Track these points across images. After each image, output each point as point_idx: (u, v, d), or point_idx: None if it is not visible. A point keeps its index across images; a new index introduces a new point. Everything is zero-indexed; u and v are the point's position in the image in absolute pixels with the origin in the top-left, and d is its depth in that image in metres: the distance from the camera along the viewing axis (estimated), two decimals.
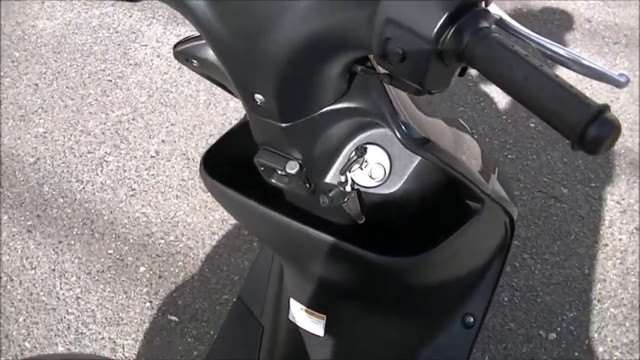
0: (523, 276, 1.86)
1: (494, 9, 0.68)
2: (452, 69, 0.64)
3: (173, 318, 1.80)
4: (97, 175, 2.22)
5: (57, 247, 2.00)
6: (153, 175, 2.21)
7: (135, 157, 2.28)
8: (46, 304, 1.85)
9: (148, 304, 1.84)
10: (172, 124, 2.40)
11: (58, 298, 1.87)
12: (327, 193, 0.81)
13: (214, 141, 0.93)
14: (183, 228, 2.03)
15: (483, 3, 0.62)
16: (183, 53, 0.89)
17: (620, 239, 1.94)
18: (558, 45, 0.66)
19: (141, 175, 2.21)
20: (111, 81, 2.62)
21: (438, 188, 0.89)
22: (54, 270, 1.94)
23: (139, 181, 2.19)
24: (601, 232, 1.96)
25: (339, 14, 0.65)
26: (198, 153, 2.28)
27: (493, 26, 0.65)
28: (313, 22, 0.67)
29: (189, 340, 1.75)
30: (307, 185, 0.84)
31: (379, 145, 0.82)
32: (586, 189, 2.10)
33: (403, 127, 0.76)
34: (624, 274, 1.85)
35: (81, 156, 2.30)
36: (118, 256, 1.96)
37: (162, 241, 2.00)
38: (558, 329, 1.73)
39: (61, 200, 2.14)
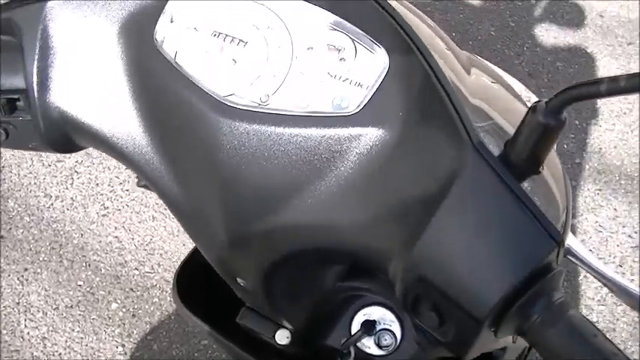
0: None
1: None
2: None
3: None
4: (67, 189, 2.04)
5: (22, 276, 1.83)
6: (127, 190, 2.04)
7: (108, 167, 2.10)
8: (10, 344, 1.70)
9: (120, 349, 1.69)
10: None
11: (22, 337, 1.72)
12: None
13: (185, 256, 0.78)
14: (160, 257, 1.87)
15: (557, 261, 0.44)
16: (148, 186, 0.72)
17: (631, 279, 1.80)
18: (631, 287, 0.51)
19: (114, 191, 2.04)
20: None
21: None
22: (18, 304, 1.78)
23: (112, 198, 2.02)
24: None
25: (348, 240, 0.49)
26: None
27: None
28: (315, 236, 0.51)
29: None
30: (301, 349, 0.71)
31: (387, 307, 0.68)
32: (596, 218, 1.96)
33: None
34: (635, 323, 1.72)
35: (50, 165, 2.11)
36: (88, 289, 1.81)
37: (137, 272, 1.84)
38: None
39: (27, 219, 1.97)
